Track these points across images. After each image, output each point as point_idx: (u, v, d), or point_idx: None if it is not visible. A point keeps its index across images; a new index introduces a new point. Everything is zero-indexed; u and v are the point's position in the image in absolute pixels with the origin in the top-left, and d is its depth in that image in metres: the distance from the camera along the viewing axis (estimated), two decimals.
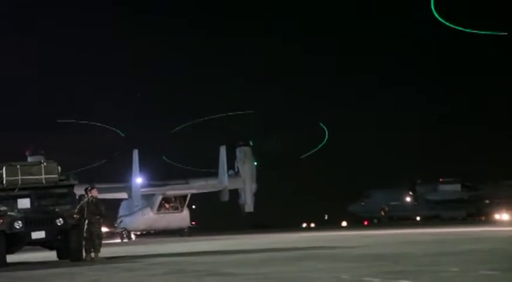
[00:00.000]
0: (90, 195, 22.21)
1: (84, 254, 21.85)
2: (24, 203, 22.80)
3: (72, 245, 22.22)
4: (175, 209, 54.38)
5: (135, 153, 50.87)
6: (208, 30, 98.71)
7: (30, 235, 22.20)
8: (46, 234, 22.31)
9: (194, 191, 54.98)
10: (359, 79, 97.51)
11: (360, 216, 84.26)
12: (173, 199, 54.72)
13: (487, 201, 76.91)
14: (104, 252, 22.65)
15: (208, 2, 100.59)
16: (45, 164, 23.33)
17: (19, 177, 22.70)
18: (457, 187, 77.65)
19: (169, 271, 15.05)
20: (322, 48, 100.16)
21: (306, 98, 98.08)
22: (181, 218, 53.99)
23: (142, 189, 51.77)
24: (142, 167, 52.08)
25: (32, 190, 22.86)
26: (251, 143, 56.99)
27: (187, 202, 54.51)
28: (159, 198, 53.55)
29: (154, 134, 64.98)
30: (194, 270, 14.65)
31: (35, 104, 79.44)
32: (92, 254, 21.67)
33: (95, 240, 21.80)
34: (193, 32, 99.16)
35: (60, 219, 22.20)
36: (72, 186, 23.48)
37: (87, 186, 23.11)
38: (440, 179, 79.18)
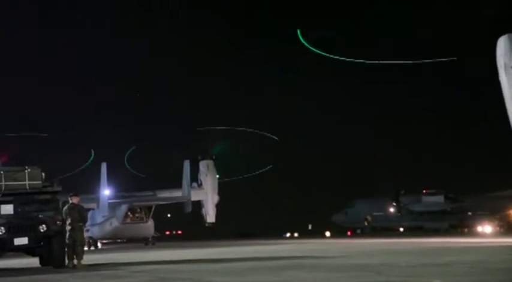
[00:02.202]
0: (71, 201, 22.12)
1: (66, 260, 21.72)
2: (7, 209, 22.65)
3: (55, 251, 22.11)
4: (141, 219, 56.96)
5: (103, 166, 51.90)
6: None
7: (12, 241, 22.07)
8: (29, 240, 22.18)
9: (158, 203, 57.44)
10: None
11: (344, 226, 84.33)
12: (139, 210, 57.21)
13: (470, 213, 77.28)
14: (86, 259, 22.55)
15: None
16: (29, 170, 23.20)
17: (2, 183, 22.57)
18: (440, 198, 77.90)
19: (153, 279, 15.04)
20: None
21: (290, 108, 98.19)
22: (146, 228, 56.59)
23: (109, 200, 53.47)
24: (111, 179, 53.87)
25: (16, 196, 22.73)
26: (214, 157, 58.84)
27: (152, 213, 57.06)
28: (126, 209, 55.94)
29: (123, 147, 65.73)
30: (177, 279, 14.66)
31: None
32: (75, 261, 21.54)
33: (78, 247, 21.69)
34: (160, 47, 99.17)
35: (44, 225, 22.10)
36: (56, 192, 23.34)
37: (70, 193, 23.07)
38: (424, 190, 79.46)
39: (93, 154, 56.76)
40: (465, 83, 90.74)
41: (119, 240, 61.62)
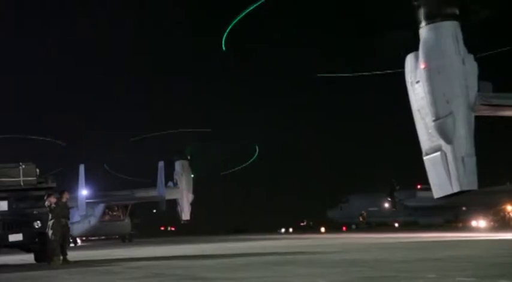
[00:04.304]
0: (65, 199, 22.06)
1: (60, 258, 21.34)
2: (1, 206, 22.65)
3: (49, 247, 22.04)
4: (118, 217, 60.43)
5: (82, 168, 52.73)
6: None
7: (7, 238, 22.06)
8: (24, 236, 22.17)
9: (134, 202, 59.60)
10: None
11: (339, 221, 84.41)
12: (116, 208, 60.47)
13: (464, 208, 77.32)
14: (80, 255, 22.51)
15: None
16: (23, 166, 23.18)
17: None
18: None
19: (147, 275, 15.02)
20: None
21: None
22: (123, 225, 60.05)
23: (88, 200, 54.92)
24: (91, 179, 55.12)
25: (10, 192, 22.70)
26: (189, 157, 60.51)
27: (128, 211, 60.47)
28: (103, 207, 59.05)
29: (102, 146, 66.36)
30: (172, 274, 14.65)
31: None
32: (61, 257, 21.29)
33: (66, 243, 21.61)
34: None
35: (38, 221, 22.09)
36: (50, 188, 23.32)
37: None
38: (419, 186, 79.44)
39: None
40: None
41: (96, 238, 65.55)
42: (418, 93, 17.10)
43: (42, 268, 19.91)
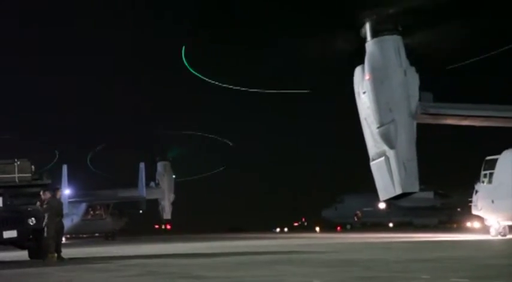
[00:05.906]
0: (59, 196, 22.07)
1: (55, 255, 21.28)
2: None
3: (44, 244, 22.01)
4: (100, 216, 62.44)
5: (64, 168, 53.17)
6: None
7: (1, 234, 21.98)
8: (18, 233, 22.08)
9: (115, 201, 61.67)
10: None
11: (334, 221, 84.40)
12: (98, 207, 62.43)
13: (459, 209, 77.37)
14: (74, 252, 22.45)
15: None
16: (18, 162, 23.13)
17: None
18: (429, 194, 77.73)
19: (142, 273, 15.02)
20: None
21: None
22: (105, 223, 61.97)
23: (70, 199, 55.58)
24: (74, 178, 56.02)
25: (5, 189, 22.64)
26: (170, 158, 62.11)
27: (110, 210, 62.29)
28: (85, 206, 61.06)
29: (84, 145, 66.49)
30: (167, 273, 14.66)
31: None
32: (56, 254, 21.23)
33: (60, 240, 21.60)
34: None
35: (33, 218, 22.00)
36: (45, 185, 23.26)
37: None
38: None
39: (57, 155, 57.17)
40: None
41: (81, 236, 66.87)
42: (364, 103, 18.33)
43: (37, 265, 19.87)
